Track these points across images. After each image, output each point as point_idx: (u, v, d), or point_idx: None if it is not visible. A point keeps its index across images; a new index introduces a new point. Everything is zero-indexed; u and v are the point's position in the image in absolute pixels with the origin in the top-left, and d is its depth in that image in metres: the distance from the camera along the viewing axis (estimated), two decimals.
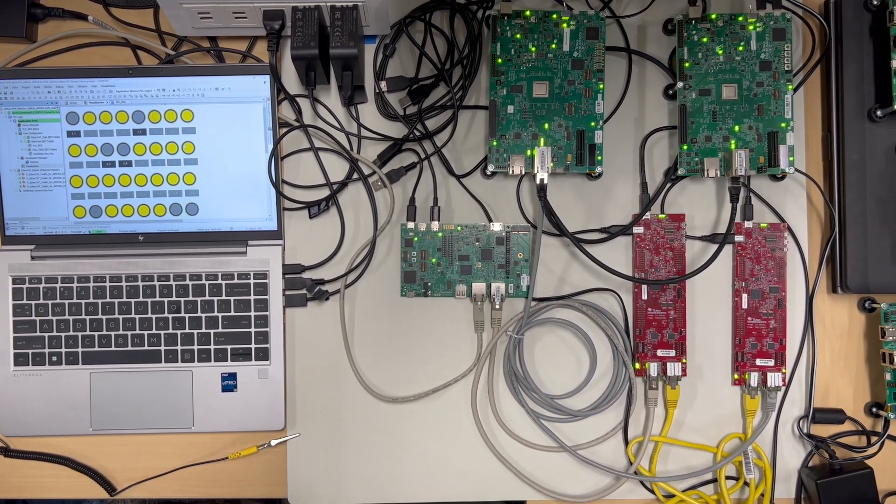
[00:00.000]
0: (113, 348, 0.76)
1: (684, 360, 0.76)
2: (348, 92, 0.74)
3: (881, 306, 0.75)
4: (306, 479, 0.76)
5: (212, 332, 0.76)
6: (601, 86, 0.74)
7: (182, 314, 0.76)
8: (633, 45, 0.79)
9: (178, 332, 0.76)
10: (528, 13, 0.75)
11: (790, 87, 0.74)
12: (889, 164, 0.74)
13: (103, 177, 0.77)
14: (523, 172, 0.75)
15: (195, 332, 0.76)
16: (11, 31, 0.77)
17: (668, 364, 0.75)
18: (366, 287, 0.78)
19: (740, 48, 0.74)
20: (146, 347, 0.76)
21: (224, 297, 0.76)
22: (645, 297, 0.76)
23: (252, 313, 0.76)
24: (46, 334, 0.76)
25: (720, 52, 0.74)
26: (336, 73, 0.74)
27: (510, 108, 0.75)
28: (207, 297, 0.76)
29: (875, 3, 0.74)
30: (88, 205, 0.77)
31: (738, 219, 0.76)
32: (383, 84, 0.78)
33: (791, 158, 0.73)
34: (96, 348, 0.76)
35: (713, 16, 0.74)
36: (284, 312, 0.77)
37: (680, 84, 0.74)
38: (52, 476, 0.77)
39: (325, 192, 0.78)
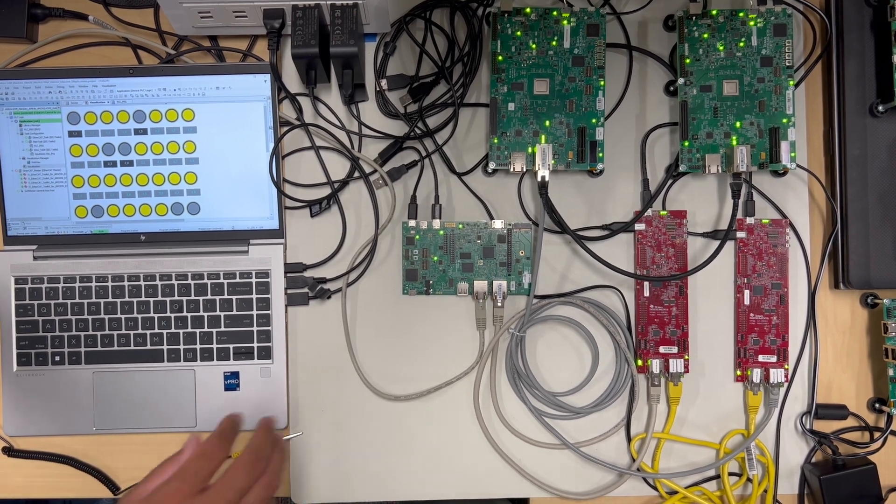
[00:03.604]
0: (115, 348, 0.76)
1: (686, 357, 0.76)
2: (349, 90, 0.74)
3: (884, 302, 0.74)
4: (309, 477, 0.77)
5: (214, 331, 0.76)
6: (602, 83, 0.74)
7: (184, 313, 0.76)
8: (634, 41, 0.79)
9: (181, 331, 0.76)
10: (528, 10, 0.75)
11: (791, 82, 0.74)
12: (891, 160, 0.74)
13: (105, 177, 0.77)
14: (524, 170, 0.75)
15: (197, 331, 0.76)
16: (12, 31, 0.77)
17: (671, 361, 0.75)
18: (367, 285, 0.78)
19: (741, 44, 0.74)
20: (149, 347, 0.76)
21: (226, 296, 0.76)
22: (647, 293, 0.76)
23: (254, 312, 0.76)
24: (49, 334, 0.76)
25: (721, 48, 0.74)
26: (336, 71, 0.74)
27: (511, 106, 0.75)
28: (209, 297, 0.76)
29: None
30: (90, 205, 0.77)
31: (739, 215, 0.76)
32: (384, 82, 0.78)
33: (792, 154, 0.72)
34: (99, 348, 0.76)
35: (714, 12, 0.74)
36: (286, 311, 0.77)
37: (681, 80, 0.74)
38: (56, 475, 0.78)
39: (327, 191, 0.78)
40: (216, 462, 0.56)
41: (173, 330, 0.76)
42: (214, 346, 0.76)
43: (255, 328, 0.76)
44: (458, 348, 0.77)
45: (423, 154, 0.78)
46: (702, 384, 0.77)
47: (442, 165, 0.78)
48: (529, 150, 0.74)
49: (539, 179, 0.73)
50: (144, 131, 0.77)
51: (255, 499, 0.55)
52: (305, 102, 0.78)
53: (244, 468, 0.55)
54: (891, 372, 0.74)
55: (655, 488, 0.76)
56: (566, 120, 0.74)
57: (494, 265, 0.77)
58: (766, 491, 0.75)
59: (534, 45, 0.75)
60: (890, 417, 0.75)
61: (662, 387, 0.76)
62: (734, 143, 0.73)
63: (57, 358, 0.76)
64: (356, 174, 0.78)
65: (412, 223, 0.77)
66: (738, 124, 0.74)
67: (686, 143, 0.74)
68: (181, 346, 0.76)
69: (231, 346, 0.76)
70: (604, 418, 0.77)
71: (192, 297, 0.76)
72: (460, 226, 0.77)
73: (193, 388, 0.76)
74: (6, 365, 0.76)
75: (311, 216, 0.78)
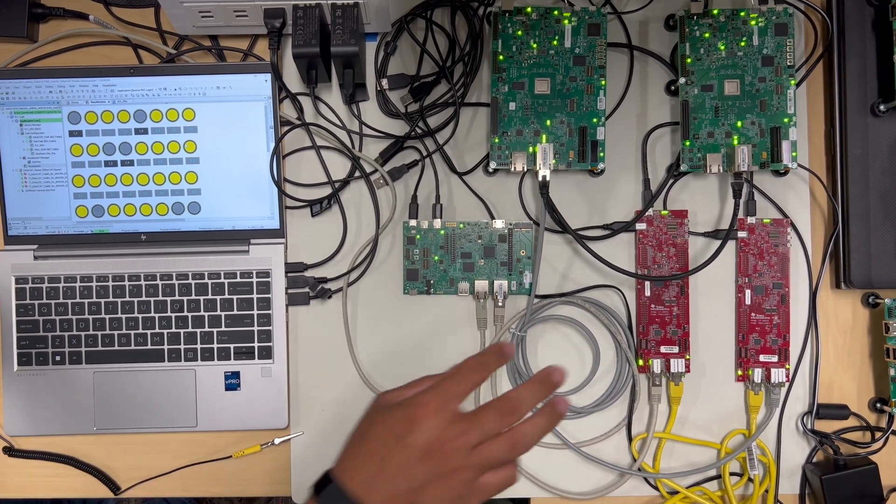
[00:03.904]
0: (116, 347, 0.76)
1: (688, 357, 0.76)
2: (349, 90, 0.74)
3: (885, 301, 0.74)
4: (310, 477, 0.76)
5: (215, 330, 0.76)
6: (603, 82, 0.74)
7: (185, 313, 0.76)
8: (635, 41, 0.79)
9: (181, 331, 0.76)
10: (529, 10, 0.75)
11: (792, 82, 0.73)
12: (892, 159, 0.74)
13: (105, 176, 0.77)
14: (525, 169, 0.74)
15: (198, 330, 0.76)
16: (13, 30, 0.77)
17: (672, 360, 0.75)
18: (368, 285, 0.78)
19: (742, 43, 0.74)
20: (149, 346, 0.76)
21: (227, 296, 0.76)
22: (648, 293, 0.76)
23: (255, 312, 0.76)
24: (50, 334, 0.76)
25: (722, 47, 0.74)
26: (337, 71, 0.74)
27: (512, 105, 0.74)
28: (210, 296, 0.76)
29: None
30: (91, 204, 0.77)
31: (740, 214, 0.76)
32: (385, 82, 0.78)
33: (794, 154, 0.72)
34: (99, 348, 0.76)
35: (715, 11, 0.74)
36: (287, 311, 0.77)
37: (682, 80, 0.74)
38: (57, 475, 0.78)
39: (327, 191, 0.78)
40: (468, 384, 0.52)
41: (174, 330, 0.76)
42: (215, 345, 0.76)
43: (255, 328, 0.76)
44: (459, 348, 0.77)
45: (424, 154, 0.78)
46: (703, 384, 0.77)
47: (443, 165, 0.78)
48: (530, 149, 0.74)
49: (540, 179, 0.73)
50: (145, 131, 0.76)
51: (496, 451, 0.51)
52: (306, 102, 0.78)
53: (492, 413, 0.51)
54: (892, 372, 0.74)
55: (656, 488, 0.76)
56: (567, 119, 0.74)
57: (495, 265, 0.77)
58: (767, 491, 0.75)
59: (535, 45, 0.75)
60: (891, 417, 0.75)
61: (663, 386, 0.76)
62: (735, 142, 0.73)
63: (58, 358, 0.76)
64: (357, 174, 0.78)
65: (413, 223, 0.77)
66: (739, 124, 0.74)
67: (687, 143, 0.74)
68: (182, 346, 0.76)
69: (232, 345, 0.76)
70: (605, 418, 0.77)
71: (193, 297, 0.76)
72: (461, 225, 0.77)
73: (194, 387, 0.76)
74: (7, 365, 0.76)
75: (312, 216, 0.78)
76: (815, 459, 0.76)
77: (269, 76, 0.76)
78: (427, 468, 0.50)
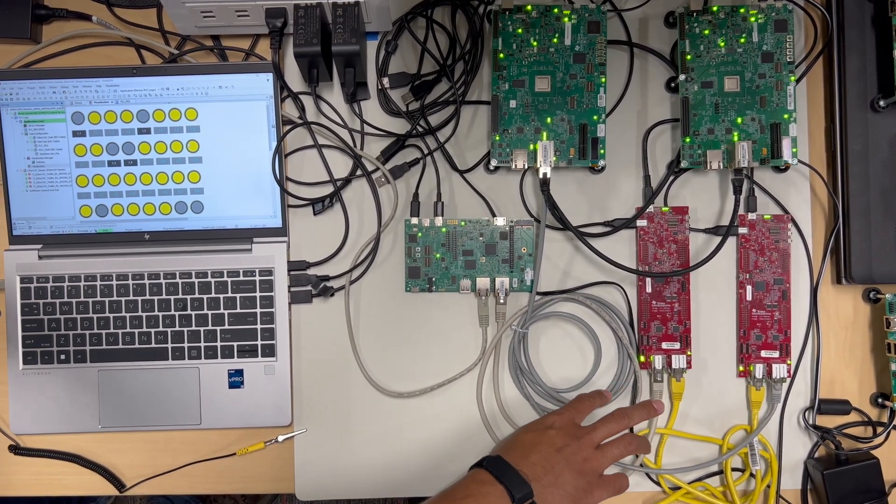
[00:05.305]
0: (120, 346, 0.77)
1: (689, 353, 0.76)
2: (351, 89, 0.74)
3: (886, 297, 0.74)
4: (313, 474, 0.77)
5: (218, 329, 0.77)
6: (603, 79, 0.74)
7: (188, 311, 0.77)
8: (635, 38, 0.79)
9: (185, 329, 0.77)
10: (529, 8, 0.75)
11: (792, 78, 0.74)
12: (892, 154, 0.74)
13: (109, 176, 0.77)
14: (526, 167, 0.75)
15: (202, 329, 0.77)
16: (16, 32, 0.78)
17: (673, 357, 0.75)
18: (370, 283, 0.78)
19: (742, 40, 0.74)
20: (153, 345, 0.77)
21: (230, 295, 0.77)
22: (649, 289, 0.76)
23: (258, 310, 0.77)
24: (54, 333, 0.77)
25: (722, 44, 0.74)
26: (338, 70, 0.74)
27: (512, 103, 0.75)
28: (213, 295, 0.77)
29: None
30: (94, 204, 0.78)
31: (741, 211, 0.76)
32: (386, 80, 0.78)
33: (794, 150, 0.73)
34: (104, 346, 0.77)
35: (714, 8, 0.74)
36: (290, 309, 0.77)
37: (682, 77, 0.74)
38: (62, 473, 0.78)
39: (329, 189, 0.78)
40: (581, 411, 0.71)
41: (177, 328, 0.77)
42: (218, 343, 0.77)
43: (258, 326, 0.77)
44: (461, 345, 0.77)
45: (425, 152, 0.78)
46: (704, 380, 0.77)
47: (444, 163, 0.79)
48: (531, 147, 0.74)
49: (541, 176, 0.74)
50: (148, 131, 0.77)
51: (619, 450, 0.69)
52: (308, 101, 0.79)
53: (609, 419, 0.70)
54: (893, 367, 0.74)
55: (659, 484, 0.76)
56: (567, 117, 0.74)
57: (497, 262, 0.77)
58: (769, 486, 0.75)
59: (535, 43, 0.75)
60: (893, 412, 0.75)
61: (665, 383, 0.76)
62: (735, 138, 0.74)
63: (62, 356, 0.77)
64: (358, 172, 0.78)
65: (414, 220, 0.77)
66: (739, 120, 0.74)
67: (687, 140, 0.74)
68: (185, 345, 0.77)
69: (235, 343, 0.77)
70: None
71: (196, 296, 0.77)
72: (462, 223, 0.77)
73: (198, 385, 0.76)
74: (12, 363, 0.77)
75: (314, 214, 0.78)
76: (816, 455, 0.77)
77: (270, 75, 0.76)
78: (562, 457, 0.66)
